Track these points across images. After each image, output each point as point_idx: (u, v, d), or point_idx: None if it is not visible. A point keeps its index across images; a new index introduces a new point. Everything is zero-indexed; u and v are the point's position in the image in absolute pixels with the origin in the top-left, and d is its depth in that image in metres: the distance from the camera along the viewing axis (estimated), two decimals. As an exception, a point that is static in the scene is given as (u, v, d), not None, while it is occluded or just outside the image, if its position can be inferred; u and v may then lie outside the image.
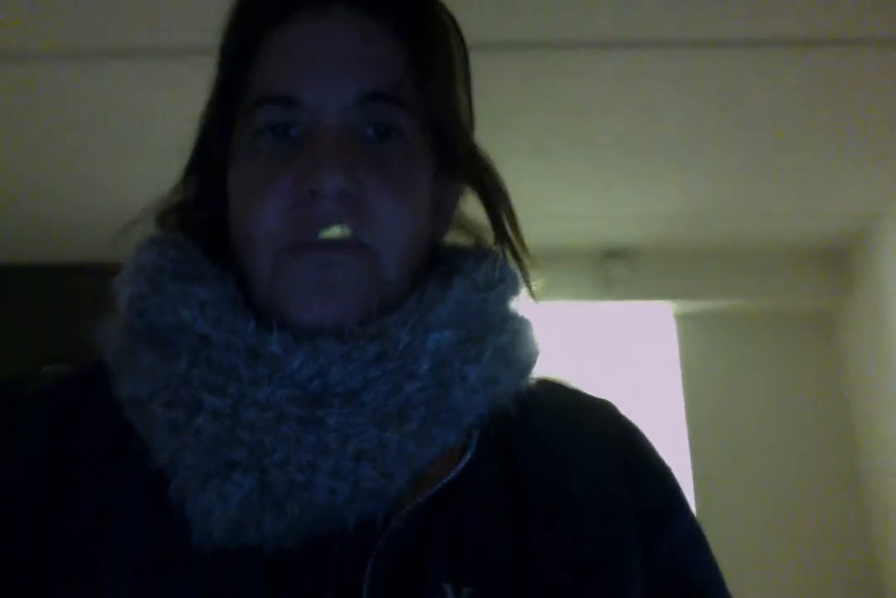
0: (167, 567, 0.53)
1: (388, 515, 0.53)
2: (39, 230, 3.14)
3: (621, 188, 2.89)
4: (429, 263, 0.63)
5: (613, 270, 3.31)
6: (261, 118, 0.59)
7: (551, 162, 2.68)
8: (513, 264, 0.64)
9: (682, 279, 3.39)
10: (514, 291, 0.63)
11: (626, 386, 3.35)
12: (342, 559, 0.53)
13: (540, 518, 0.58)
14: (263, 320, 0.56)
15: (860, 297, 3.32)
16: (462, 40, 0.66)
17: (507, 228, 0.66)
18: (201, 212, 0.65)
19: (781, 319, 3.54)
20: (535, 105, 2.35)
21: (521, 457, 0.61)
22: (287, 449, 0.51)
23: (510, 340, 0.59)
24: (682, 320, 3.54)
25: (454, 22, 0.66)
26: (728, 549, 3.18)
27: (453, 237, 0.68)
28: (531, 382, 0.62)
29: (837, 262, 3.44)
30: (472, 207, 0.69)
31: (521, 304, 0.63)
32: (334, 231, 0.56)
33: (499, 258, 0.63)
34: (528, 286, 0.65)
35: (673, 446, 3.30)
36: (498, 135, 2.44)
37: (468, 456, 0.58)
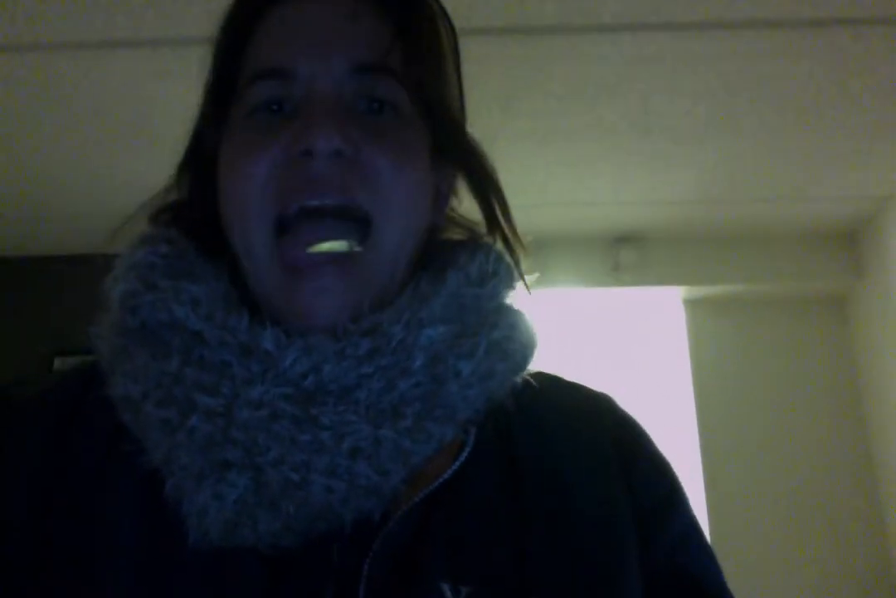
0: (165, 567, 0.52)
1: (385, 513, 0.53)
2: (50, 222, 3.15)
3: (631, 173, 2.87)
4: (423, 259, 0.63)
5: (622, 255, 3.30)
6: (254, 95, 0.59)
7: (560, 147, 2.67)
8: (507, 257, 0.64)
9: (691, 264, 3.37)
10: (509, 283, 0.62)
11: (636, 372, 3.35)
12: (339, 557, 0.53)
13: (538, 516, 0.57)
14: (257, 317, 0.55)
15: (872, 280, 3.30)
16: (452, 28, 0.66)
17: (499, 216, 0.65)
18: (195, 209, 0.64)
19: (792, 303, 3.52)
20: (544, 90, 2.34)
21: (519, 453, 0.60)
22: (281, 448, 0.51)
23: (505, 334, 0.59)
24: (692, 305, 3.53)
25: (443, 9, 0.66)
26: (739, 538, 3.20)
27: (448, 235, 0.68)
28: (528, 376, 0.61)
29: (849, 245, 3.42)
30: (465, 208, 0.68)
31: (516, 296, 0.63)
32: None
33: (492, 251, 0.63)
34: (522, 278, 0.64)
35: (682, 432, 3.30)
36: (507, 120, 2.44)
37: (465, 453, 0.58)
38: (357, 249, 0.57)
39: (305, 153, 0.55)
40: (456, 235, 0.67)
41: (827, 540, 3.20)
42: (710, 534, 3.03)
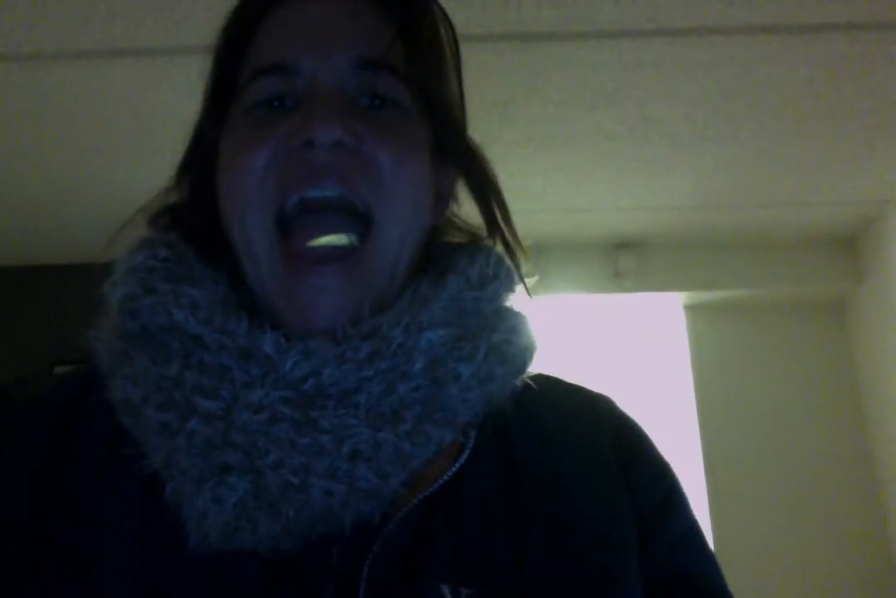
0: (164, 570, 0.52)
1: (385, 516, 0.53)
2: (49, 230, 3.15)
3: (629, 179, 2.87)
4: (423, 262, 0.63)
5: (622, 261, 3.30)
6: (255, 91, 0.59)
7: (559, 153, 2.67)
8: (507, 260, 0.64)
9: (690, 270, 3.37)
10: (509, 287, 0.62)
11: (637, 378, 3.35)
12: (339, 560, 0.53)
13: (538, 518, 0.57)
14: (256, 320, 0.55)
15: (872, 284, 3.30)
16: (453, 31, 0.67)
17: (499, 219, 0.65)
18: (194, 211, 0.64)
19: (792, 307, 3.52)
20: (543, 96, 2.34)
21: (518, 455, 0.60)
22: (281, 451, 0.51)
23: (505, 337, 0.59)
24: (692, 310, 3.53)
25: (444, 12, 0.66)
26: (740, 541, 3.19)
27: (448, 239, 0.67)
28: (528, 378, 0.61)
29: (848, 249, 3.42)
30: (465, 213, 0.68)
31: (516, 299, 0.63)
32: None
33: (492, 254, 0.63)
34: (523, 281, 0.64)
35: (684, 437, 3.29)
36: (506, 127, 2.44)
37: (465, 455, 0.58)
38: (357, 243, 0.57)
39: (306, 144, 0.55)
40: (456, 238, 0.67)
41: (828, 543, 3.20)
42: (712, 537, 3.03)
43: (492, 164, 0.66)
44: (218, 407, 0.52)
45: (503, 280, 0.62)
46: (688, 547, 0.62)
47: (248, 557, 0.51)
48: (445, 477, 0.56)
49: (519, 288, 0.63)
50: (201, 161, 0.64)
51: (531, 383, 0.61)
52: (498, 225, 0.65)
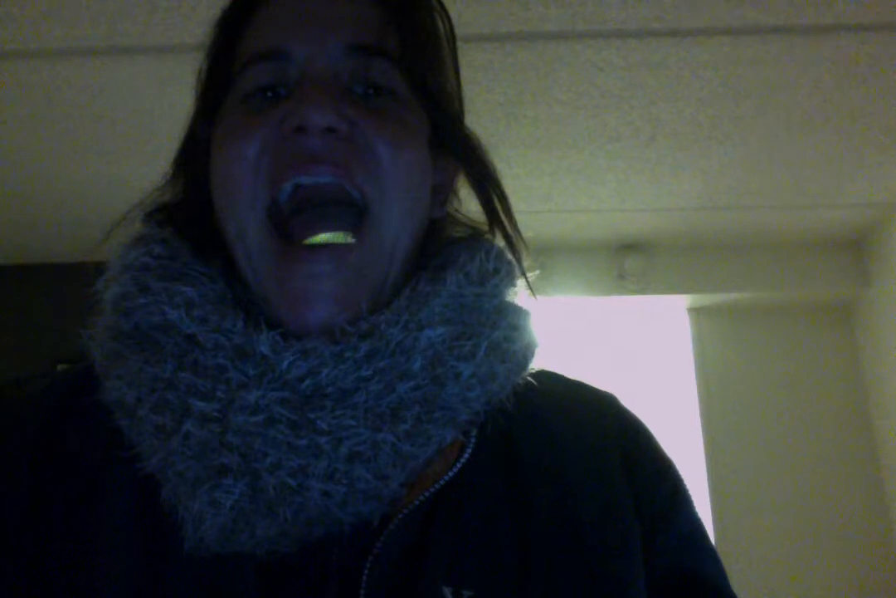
0: (160, 573, 0.52)
1: (385, 517, 0.52)
2: (54, 228, 3.15)
3: (636, 180, 2.86)
4: (422, 259, 0.62)
5: (627, 263, 3.30)
6: (248, 79, 0.58)
7: (565, 154, 2.66)
8: (507, 254, 0.62)
9: (695, 272, 3.36)
10: (510, 282, 0.61)
11: (641, 381, 3.34)
12: (339, 562, 0.52)
13: (541, 519, 0.56)
14: (252, 319, 0.54)
15: (878, 286, 3.29)
16: (450, 23, 0.66)
17: (500, 211, 0.64)
18: (189, 207, 0.63)
19: (798, 310, 3.51)
20: (549, 97, 2.34)
21: (520, 455, 0.60)
22: (278, 453, 0.50)
23: (506, 334, 0.58)
24: (696, 313, 3.52)
25: (441, 4, 0.65)
26: (744, 545, 3.17)
27: (448, 233, 0.66)
28: (530, 375, 0.60)
29: (855, 251, 3.41)
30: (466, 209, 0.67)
31: (517, 294, 0.61)
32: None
33: (493, 249, 0.62)
34: (524, 275, 0.63)
35: (688, 441, 3.28)
36: (512, 128, 2.43)
37: (466, 455, 0.57)
38: (352, 240, 0.56)
39: (298, 130, 0.54)
40: (457, 233, 0.66)
41: (834, 548, 3.18)
42: (715, 540, 3.01)
43: (494, 158, 0.65)
44: (213, 408, 0.51)
45: (504, 275, 0.61)
46: (691, 547, 0.62)
47: (246, 559, 0.51)
48: (446, 477, 0.55)
49: (520, 282, 0.62)
50: (196, 156, 0.63)
51: (533, 380, 0.60)
52: (498, 217, 0.64)
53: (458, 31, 0.67)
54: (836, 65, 2.20)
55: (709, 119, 2.46)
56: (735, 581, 0.62)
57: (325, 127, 0.54)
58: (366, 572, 0.51)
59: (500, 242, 0.64)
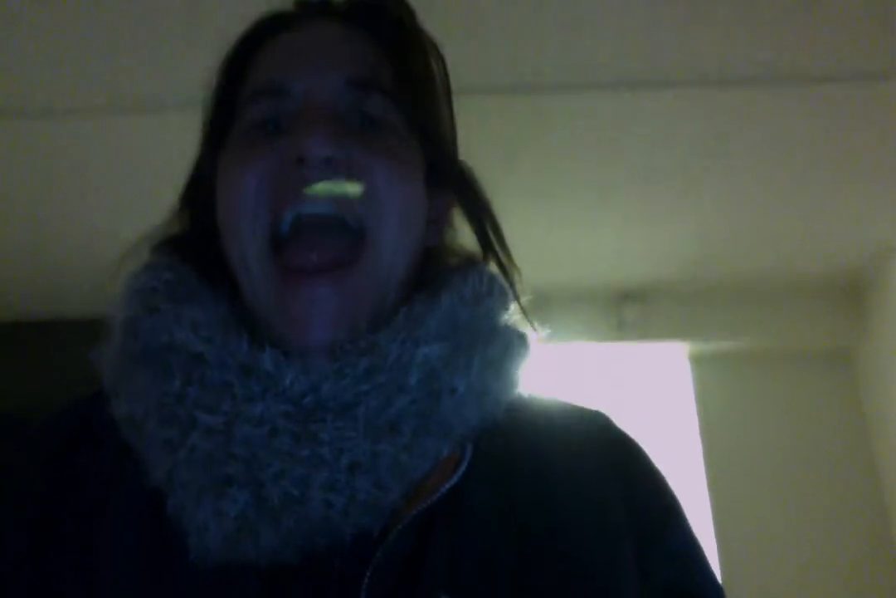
0: (166, 583, 0.53)
1: (385, 528, 0.54)
2: (60, 285, 3.16)
3: (632, 229, 2.89)
4: (418, 282, 0.64)
5: (626, 311, 3.30)
6: (250, 114, 0.61)
7: (560, 205, 2.70)
8: (500, 278, 0.65)
9: (695, 320, 3.37)
10: (503, 303, 0.63)
11: (643, 429, 3.31)
12: (340, 572, 0.53)
13: (536, 530, 0.58)
14: (256, 338, 0.56)
15: (878, 333, 3.29)
16: (443, 62, 0.68)
17: (493, 239, 0.66)
18: (196, 239, 0.66)
19: (798, 357, 3.51)
20: (542, 147, 2.37)
21: (515, 468, 0.61)
22: (281, 463, 0.51)
23: (500, 352, 0.60)
24: (697, 360, 3.52)
25: (434, 44, 0.68)
26: (753, 592, 3.10)
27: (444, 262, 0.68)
28: (524, 394, 0.62)
29: (853, 298, 3.42)
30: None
31: (510, 316, 0.63)
32: (324, 188, 0.56)
33: (485, 273, 0.64)
34: (517, 299, 0.65)
35: (692, 488, 3.25)
36: (505, 179, 2.46)
37: (463, 468, 0.58)
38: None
39: (298, 161, 0.57)
40: (452, 262, 0.68)
41: (842, 593, 3.13)
42: (723, 580, 2.96)
43: (486, 189, 0.67)
44: (218, 421, 0.52)
45: (497, 297, 0.63)
46: (686, 564, 0.62)
47: (250, 569, 0.52)
48: (443, 489, 0.57)
49: (514, 307, 0.64)
50: (202, 188, 0.66)
51: (527, 397, 0.62)
52: (492, 246, 0.66)
53: (452, 82, 0.69)
54: (829, 111, 2.24)
55: (701, 167, 2.50)
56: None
57: (324, 158, 0.56)
58: (366, 581, 0.52)
59: (494, 269, 0.66)
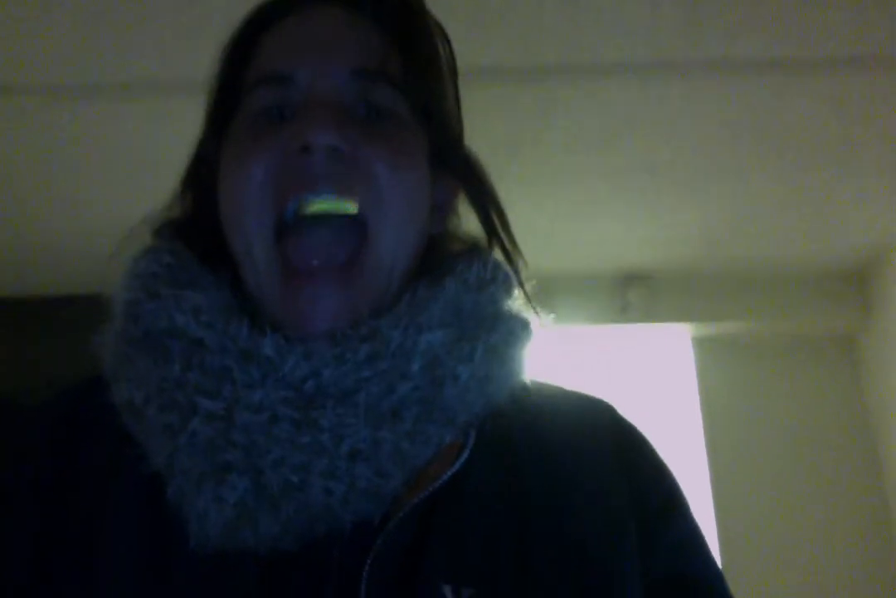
0: (165, 570, 0.53)
1: (386, 515, 0.54)
2: (58, 264, 3.16)
3: (638, 212, 2.88)
4: (421, 269, 0.63)
5: (630, 293, 3.30)
6: (254, 101, 0.60)
7: (567, 188, 2.69)
8: (504, 265, 0.64)
9: (699, 302, 3.36)
10: (507, 290, 0.63)
11: (645, 410, 3.32)
12: (340, 560, 0.53)
13: (539, 518, 0.58)
14: (257, 324, 0.56)
15: (881, 318, 3.29)
16: (450, 48, 0.68)
17: (497, 226, 0.66)
18: (197, 223, 0.65)
19: (801, 341, 3.50)
20: (550, 132, 2.36)
21: (518, 456, 0.61)
22: (281, 450, 0.51)
23: (503, 338, 0.59)
24: (700, 343, 3.52)
25: (442, 29, 0.67)
26: (751, 578, 3.12)
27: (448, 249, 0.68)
28: (527, 381, 0.62)
29: (858, 283, 3.41)
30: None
31: (514, 303, 0.63)
32: (320, 206, 0.56)
33: (489, 259, 0.63)
34: (522, 286, 0.65)
35: (693, 471, 3.26)
36: (513, 163, 2.45)
37: (465, 455, 0.58)
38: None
39: (303, 150, 0.56)
40: (455, 248, 0.68)
41: (842, 582, 3.15)
42: (724, 570, 2.97)
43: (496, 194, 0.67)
44: (219, 407, 0.52)
45: (500, 283, 0.62)
46: (688, 551, 0.63)
47: (249, 556, 0.52)
48: (445, 477, 0.56)
49: (518, 293, 0.64)
50: (203, 174, 0.65)
51: (530, 385, 0.62)
52: (496, 232, 0.66)
53: (459, 63, 0.68)
54: (836, 101, 2.22)
55: (709, 152, 2.48)
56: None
57: (329, 147, 0.56)
58: (366, 569, 0.52)
59: (498, 255, 0.65)
